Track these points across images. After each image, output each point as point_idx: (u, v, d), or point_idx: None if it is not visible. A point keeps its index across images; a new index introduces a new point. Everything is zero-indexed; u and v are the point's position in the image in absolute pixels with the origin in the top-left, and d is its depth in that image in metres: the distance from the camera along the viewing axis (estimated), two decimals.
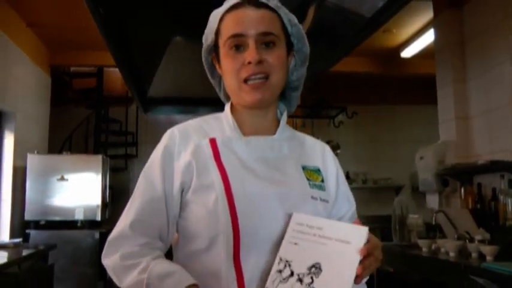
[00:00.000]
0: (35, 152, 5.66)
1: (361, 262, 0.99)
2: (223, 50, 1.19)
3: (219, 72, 1.24)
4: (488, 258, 2.97)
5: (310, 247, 1.04)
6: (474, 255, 3.13)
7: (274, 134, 1.23)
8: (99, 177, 5.76)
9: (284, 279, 1.02)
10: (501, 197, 3.66)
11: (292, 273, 1.02)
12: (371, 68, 6.98)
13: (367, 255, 1.00)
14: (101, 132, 7.07)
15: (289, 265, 1.03)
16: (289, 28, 1.22)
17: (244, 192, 1.10)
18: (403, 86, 7.64)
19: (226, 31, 1.17)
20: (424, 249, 3.60)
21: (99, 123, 7.02)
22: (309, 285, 1.00)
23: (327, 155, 1.30)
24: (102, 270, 5.59)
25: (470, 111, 4.42)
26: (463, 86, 4.49)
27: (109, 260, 1.12)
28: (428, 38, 5.65)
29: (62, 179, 5.59)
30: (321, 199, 1.18)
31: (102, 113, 7.13)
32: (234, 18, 1.17)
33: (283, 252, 1.05)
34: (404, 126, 8.52)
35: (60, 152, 6.45)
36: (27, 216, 5.54)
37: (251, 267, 1.07)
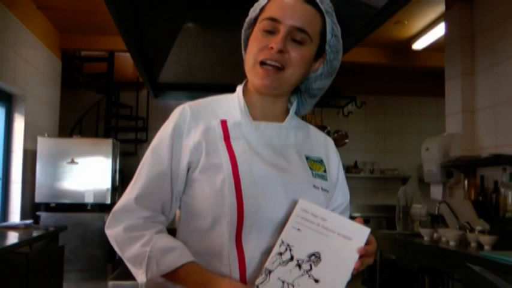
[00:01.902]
0: (46, 135, 5.72)
1: (359, 258, 1.04)
2: (257, 27, 1.20)
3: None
4: (486, 247, 3.03)
5: (312, 236, 1.07)
6: (473, 244, 3.19)
7: (283, 121, 1.26)
8: (109, 161, 5.83)
9: (284, 262, 1.05)
10: (502, 190, 3.71)
11: (292, 258, 1.06)
12: (382, 59, 6.97)
13: (365, 254, 1.05)
14: (111, 117, 7.11)
15: (290, 249, 1.06)
16: (328, 36, 1.22)
17: (251, 175, 1.13)
18: (413, 78, 7.63)
19: (268, 11, 1.18)
20: (426, 238, 3.65)
21: (109, 107, 7.06)
22: (307, 272, 1.04)
23: (330, 148, 1.34)
24: (111, 253, 5.69)
25: (477, 104, 4.44)
26: (470, 79, 4.50)
27: (112, 231, 1.16)
28: (440, 31, 5.61)
29: (72, 162, 5.66)
30: (322, 189, 1.22)
31: (112, 98, 7.17)
32: (280, 2, 1.17)
33: (286, 235, 1.08)
34: (413, 118, 8.53)
35: (70, 135, 6.53)
36: (38, 198, 5.62)
37: (252, 248, 1.11)
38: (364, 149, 8.49)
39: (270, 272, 1.04)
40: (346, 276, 1.03)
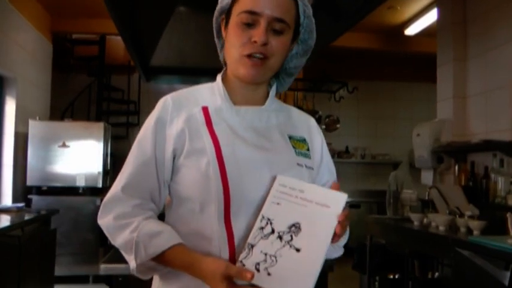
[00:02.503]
0: (37, 118, 5.70)
1: (339, 223, 1.07)
2: (234, 19, 1.20)
3: (224, 35, 1.27)
4: (475, 232, 3.06)
5: (291, 208, 1.11)
6: (462, 229, 3.23)
7: (263, 105, 1.29)
8: (101, 144, 5.82)
9: (265, 235, 1.09)
10: (492, 175, 3.75)
11: (273, 231, 1.09)
12: (374, 44, 6.97)
13: (343, 219, 1.07)
14: (102, 100, 7.08)
15: (271, 223, 1.10)
16: (301, 18, 1.24)
17: (235, 157, 1.16)
18: (405, 63, 7.64)
19: (244, 2, 1.19)
20: (416, 223, 3.69)
21: (101, 91, 7.03)
22: (288, 243, 1.06)
23: (312, 126, 1.37)
24: (103, 237, 5.71)
25: (469, 90, 4.46)
26: (462, 65, 4.52)
27: (103, 221, 1.20)
28: (432, 16, 5.62)
29: (64, 145, 5.65)
30: (306, 166, 1.25)
31: (104, 81, 7.14)
32: None
33: (266, 210, 1.12)
34: (404, 103, 8.56)
35: (62, 118, 6.49)
36: (29, 181, 5.62)
37: (241, 228, 1.14)
38: (356, 134, 8.53)
39: (252, 246, 1.08)
40: (327, 242, 1.05)
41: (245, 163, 1.16)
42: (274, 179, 1.16)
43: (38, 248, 4.22)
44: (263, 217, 1.11)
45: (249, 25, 1.18)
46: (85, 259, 5.51)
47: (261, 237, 1.08)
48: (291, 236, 1.07)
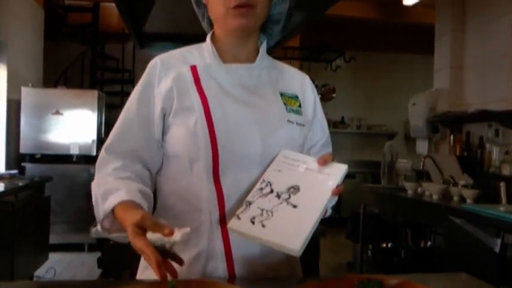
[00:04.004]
0: (29, 85, 5.64)
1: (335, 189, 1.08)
2: None
3: (205, 1, 1.26)
4: (469, 201, 3.08)
5: (292, 173, 1.13)
6: (456, 198, 3.24)
7: (254, 62, 1.27)
8: (95, 112, 5.78)
9: (264, 194, 1.10)
10: (487, 145, 3.75)
11: (272, 191, 1.11)
12: (372, 14, 6.89)
13: (340, 188, 1.09)
14: (96, 69, 7.01)
15: (271, 185, 1.12)
16: None
17: (223, 114, 1.16)
18: (403, 34, 7.56)
19: None
20: (410, 192, 3.70)
21: (95, 59, 6.96)
22: (285, 200, 1.08)
23: (306, 84, 1.35)
24: None
25: (466, 61, 4.43)
26: (460, 36, 4.48)
27: (92, 189, 1.18)
28: None
29: (57, 113, 5.61)
30: (297, 123, 1.24)
31: (97, 50, 7.06)
32: None
33: (267, 175, 1.14)
34: (402, 74, 8.51)
35: (55, 86, 6.43)
36: (23, 149, 5.59)
37: (229, 184, 1.15)
38: (352, 104, 8.50)
39: (250, 203, 1.09)
40: (323, 203, 1.06)
41: (234, 120, 1.16)
42: (264, 137, 1.17)
43: (32, 214, 4.22)
44: (263, 180, 1.13)
45: None
46: (80, 227, 5.52)
47: (260, 196, 1.10)
48: (289, 195, 1.09)
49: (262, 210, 1.07)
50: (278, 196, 1.09)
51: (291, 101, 1.27)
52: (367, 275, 0.85)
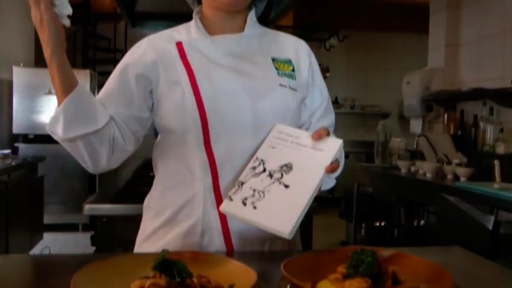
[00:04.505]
0: (21, 64, 5.59)
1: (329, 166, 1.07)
2: None
3: None
4: (462, 179, 3.08)
5: (285, 150, 1.12)
6: (450, 176, 3.25)
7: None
8: None
9: (256, 174, 1.09)
10: (481, 124, 3.74)
11: (264, 170, 1.10)
12: None
13: (335, 164, 1.08)
14: (88, 49, 6.96)
15: (263, 163, 1.11)
16: None
17: (210, 83, 1.16)
18: (396, 12, 7.50)
19: None
20: (403, 171, 3.70)
21: (86, 39, 6.90)
22: (277, 180, 1.07)
23: (301, 49, 1.32)
24: (91, 184, 5.71)
25: (461, 38, 4.40)
26: (456, 13, 4.44)
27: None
28: None
29: (50, 93, 5.56)
30: (290, 87, 1.22)
31: (89, 29, 7.00)
32: None
33: (260, 153, 1.13)
34: (396, 54, 8.47)
35: (47, 66, 6.35)
36: (15, 129, 5.56)
37: (222, 153, 1.15)
38: (346, 84, 8.47)
39: (242, 183, 1.09)
40: (317, 179, 1.05)
41: (222, 88, 1.16)
42: (255, 103, 1.16)
43: (25, 194, 4.21)
44: (257, 158, 1.12)
45: None
46: (74, 207, 5.52)
47: (252, 175, 1.09)
48: (281, 174, 1.08)
49: (254, 190, 1.07)
50: (270, 175, 1.08)
51: (283, 66, 1.25)
52: (360, 246, 0.85)
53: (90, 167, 1.19)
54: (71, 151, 1.16)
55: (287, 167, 1.08)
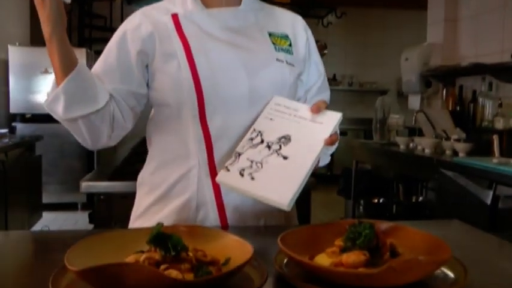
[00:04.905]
0: (16, 43, 5.53)
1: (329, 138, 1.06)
2: None
3: None
4: (461, 154, 3.08)
5: (284, 122, 1.10)
6: (448, 152, 3.24)
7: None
8: None
9: (254, 145, 1.08)
10: (480, 99, 3.72)
11: (262, 141, 1.08)
12: None
13: (334, 137, 1.08)
14: (84, 27, 6.90)
15: (261, 135, 1.09)
16: None
17: (206, 57, 1.14)
18: None
19: None
20: (402, 147, 3.70)
21: (82, 17, 6.83)
22: (276, 151, 1.06)
23: (298, 24, 1.31)
24: (90, 164, 5.70)
25: (460, 13, 4.36)
26: None
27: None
28: None
29: (46, 72, 5.52)
30: (287, 62, 1.21)
31: (85, 8, 6.93)
32: None
33: (258, 124, 1.12)
34: (394, 31, 8.39)
35: (43, 44, 6.30)
36: (12, 109, 5.53)
37: (217, 128, 1.13)
38: (344, 61, 8.42)
39: (239, 154, 1.08)
40: (316, 152, 1.04)
41: (218, 61, 1.15)
42: (251, 77, 1.15)
43: (23, 174, 4.21)
44: (254, 130, 1.11)
45: None
46: (72, 187, 5.51)
47: (250, 147, 1.08)
48: (280, 146, 1.07)
49: (251, 161, 1.05)
50: (268, 147, 1.07)
51: (280, 41, 1.24)
52: (358, 219, 0.84)
53: (89, 145, 1.18)
54: (71, 130, 1.15)
55: (285, 139, 1.07)
